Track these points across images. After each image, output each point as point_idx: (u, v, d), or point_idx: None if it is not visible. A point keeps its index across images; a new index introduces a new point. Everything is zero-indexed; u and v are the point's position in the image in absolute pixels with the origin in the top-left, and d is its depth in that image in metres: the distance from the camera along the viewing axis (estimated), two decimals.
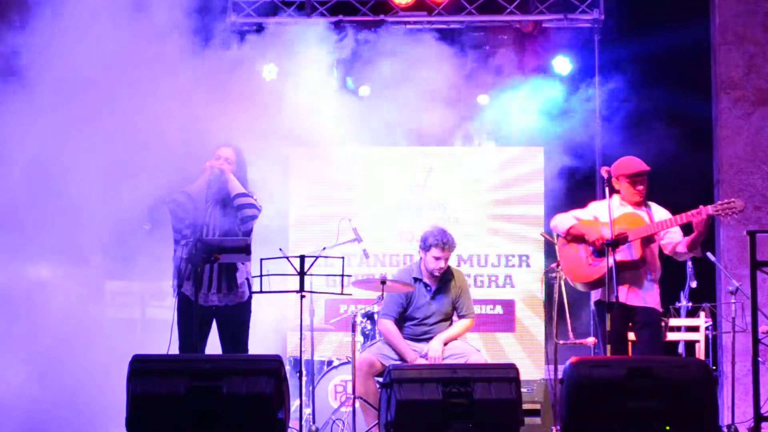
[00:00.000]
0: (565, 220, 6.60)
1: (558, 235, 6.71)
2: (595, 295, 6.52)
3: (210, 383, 5.36)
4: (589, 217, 6.57)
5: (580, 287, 6.57)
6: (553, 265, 7.14)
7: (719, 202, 6.27)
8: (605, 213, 6.38)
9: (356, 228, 7.92)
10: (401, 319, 7.17)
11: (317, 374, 7.64)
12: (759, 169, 8.45)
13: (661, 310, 6.52)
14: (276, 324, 8.38)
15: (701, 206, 6.20)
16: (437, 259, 7.11)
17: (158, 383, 5.37)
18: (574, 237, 6.50)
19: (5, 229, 7.54)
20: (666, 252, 6.51)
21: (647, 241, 6.38)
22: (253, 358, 5.93)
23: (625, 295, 6.37)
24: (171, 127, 7.77)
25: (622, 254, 6.32)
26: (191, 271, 6.55)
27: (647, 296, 6.40)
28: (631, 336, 6.62)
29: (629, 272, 6.37)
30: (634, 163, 6.49)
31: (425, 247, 7.17)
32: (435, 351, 6.99)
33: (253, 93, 9.29)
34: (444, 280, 7.21)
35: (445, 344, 7.06)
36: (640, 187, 6.47)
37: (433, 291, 7.19)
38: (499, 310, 9.45)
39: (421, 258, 7.24)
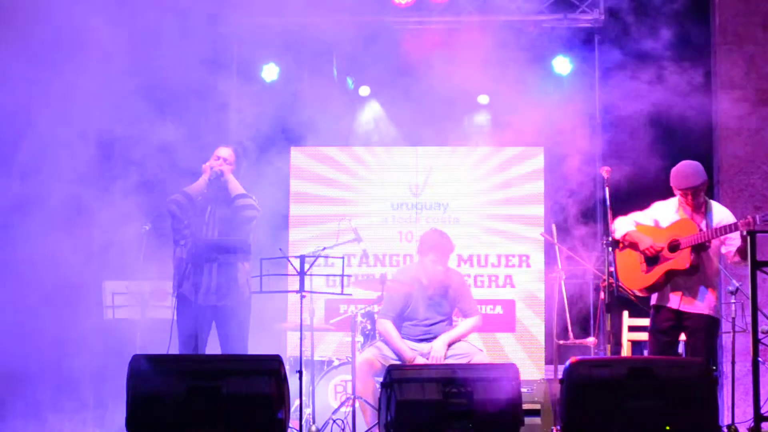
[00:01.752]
0: (622, 226, 6.55)
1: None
2: (652, 299, 6.54)
3: (210, 383, 5.36)
4: (649, 220, 6.55)
5: (636, 292, 6.58)
6: (611, 269, 7.09)
7: (766, 211, 6.28)
8: (665, 217, 6.45)
9: (356, 228, 7.93)
10: (400, 320, 7.17)
11: (317, 374, 7.63)
12: (759, 169, 8.44)
13: (715, 315, 6.46)
14: (276, 324, 8.37)
15: (749, 216, 6.20)
16: (435, 263, 7.11)
17: (158, 383, 5.37)
18: (630, 244, 6.49)
19: None
20: (728, 260, 6.53)
21: (699, 248, 6.37)
22: (253, 358, 5.93)
23: (678, 301, 6.39)
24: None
25: (673, 263, 6.34)
26: (191, 271, 6.56)
27: (701, 303, 6.40)
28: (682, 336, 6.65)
29: (682, 279, 6.38)
30: (685, 178, 6.42)
31: (423, 250, 7.17)
32: (437, 352, 6.97)
33: (253, 93, 9.32)
34: (442, 280, 7.20)
35: (450, 345, 7.04)
36: (692, 200, 6.43)
37: (432, 291, 7.18)
38: (499, 310, 9.45)
39: (420, 258, 7.25)
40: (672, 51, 8.73)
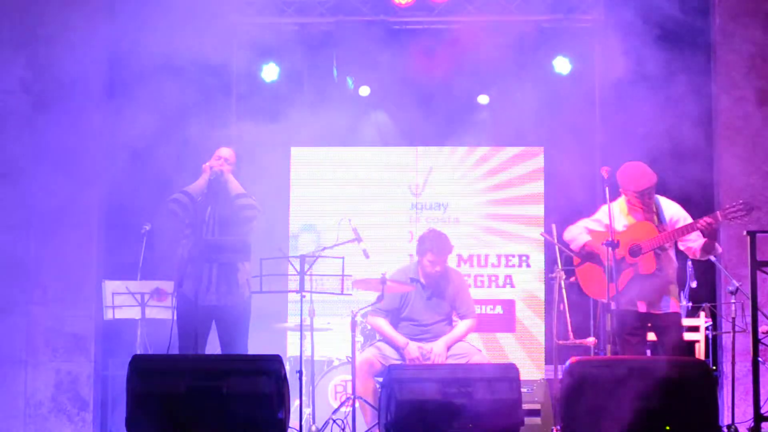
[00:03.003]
0: (578, 237, 6.55)
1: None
2: (616, 304, 6.51)
3: (210, 383, 5.36)
4: (600, 226, 6.54)
5: (604, 302, 6.57)
6: (572, 279, 7.08)
7: (726, 206, 6.24)
8: (616, 221, 6.41)
9: (356, 228, 7.93)
10: (398, 320, 7.17)
11: (317, 374, 7.64)
12: (759, 169, 8.43)
13: (680, 311, 6.50)
14: (276, 324, 8.38)
15: (711, 215, 6.19)
16: (433, 263, 7.11)
17: (158, 383, 5.38)
18: (588, 254, 6.47)
19: None
20: (690, 256, 6.52)
21: (660, 249, 6.37)
22: (253, 358, 5.93)
23: (646, 306, 6.38)
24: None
25: (636, 268, 6.33)
26: (191, 270, 6.56)
27: (668, 303, 6.41)
28: (651, 336, 6.64)
29: (647, 283, 6.37)
30: (640, 178, 6.39)
31: (421, 251, 7.17)
32: (438, 356, 6.97)
33: (253, 93, 9.33)
34: (441, 280, 7.20)
35: (449, 347, 7.05)
36: (649, 200, 6.43)
37: (430, 291, 7.18)
38: (499, 310, 9.45)
39: (418, 259, 7.24)
40: (672, 51, 8.72)
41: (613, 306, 6.45)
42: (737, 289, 7.40)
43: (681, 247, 6.46)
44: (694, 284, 8.07)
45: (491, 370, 5.80)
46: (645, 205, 6.42)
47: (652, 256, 6.30)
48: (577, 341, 7.70)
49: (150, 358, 5.59)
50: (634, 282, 6.35)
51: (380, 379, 6.44)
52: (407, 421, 5.49)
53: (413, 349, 6.95)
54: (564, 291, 7.66)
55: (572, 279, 6.95)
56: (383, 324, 7.12)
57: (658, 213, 6.45)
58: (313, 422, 7.12)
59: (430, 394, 5.52)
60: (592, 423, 5.42)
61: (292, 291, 6.58)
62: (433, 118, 9.40)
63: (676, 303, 6.45)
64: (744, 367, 7.81)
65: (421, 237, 7.31)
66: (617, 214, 6.49)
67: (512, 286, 9.49)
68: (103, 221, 8.36)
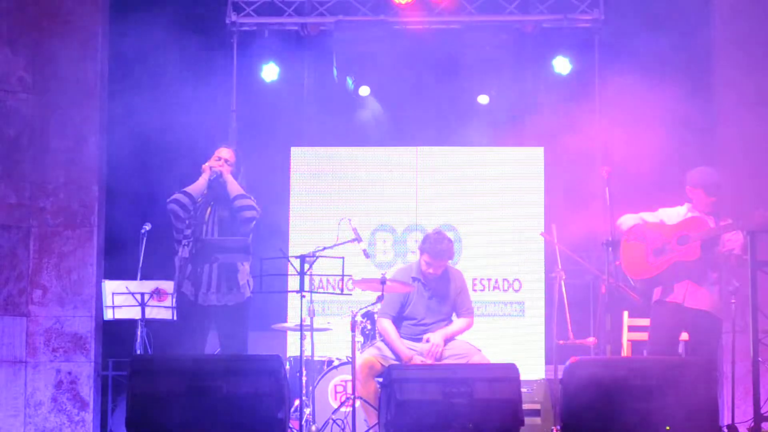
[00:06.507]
0: (629, 220, 6.65)
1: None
2: (655, 295, 6.57)
3: (210, 383, 5.37)
4: (656, 219, 6.62)
5: (639, 284, 6.62)
6: (617, 263, 7.10)
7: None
8: (674, 219, 6.53)
9: (356, 228, 7.93)
10: (399, 319, 7.17)
11: (317, 374, 7.64)
12: (759, 169, 8.43)
13: (718, 314, 6.50)
14: (276, 324, 8.38)
15: (756, 212, 6.25)
16: (428, 264, 7.09)
17: (158, 383, 5.38)
18: (637, 237, 6.54)
19: None
20: (732, 261, 6.55)
21: (709, 244, 6.41)
22: (253, 358, 5.94)
23: (683, 294, 6.42)
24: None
25: (681, 254, 6.40)
26: (191, 271, 6.56)
27: (704, 298, 6.44)
28: (684, 336, 6.67)
29: (686, 271, 6.42)
30: (711, 175, 6.57)
31: (421, 250, 7.16)
32: (436, 346, 6.98)
33: (253, 93, 9.34)
34: (442, 280, 7.19)
35: (446, 340, 7.06)
36: (714, 199, 6.51)
37: (432, 291, 7.18)
38: (499, 310, 9.45)
39: (419, 258, 7.23)
40: (672, 50, 8.72)
41: (656, 297, 6.54)
42: (737, 289, 7.40)
43: (724, 252, 6.50)
44: None
45: (491, 370, 5.80)
46: (707, 206, 6.49)
47: (697, 246, 6.37)
48: (577, 341, 7.71)
49: (150, 358, 5.60)
50: (674, 269, 6.41)
51: (381, 380, 6.44)
52: (407, 421, 5.49)
53: (417, 361, 6.97)
54: (564, 291, 7.66)
55: (617, 263, 6.96)
56: (391, 331, 7.10)
57: (717, 219, 6.51)
58: (313, 422, 7.12)
59: (430, 394, 5.52)
60: (592, 423, 5.42)
61: (292, 291, 6.58)
62: (433, 118, 9.40)
63: (713, 303, 6.46)
64: (744, 367, 7.81)
65: (426, 236, 7.30)
66: (676, 214, 6.62)
67: (513, 286, 9.47)
68: (103, 221, 8.37)
